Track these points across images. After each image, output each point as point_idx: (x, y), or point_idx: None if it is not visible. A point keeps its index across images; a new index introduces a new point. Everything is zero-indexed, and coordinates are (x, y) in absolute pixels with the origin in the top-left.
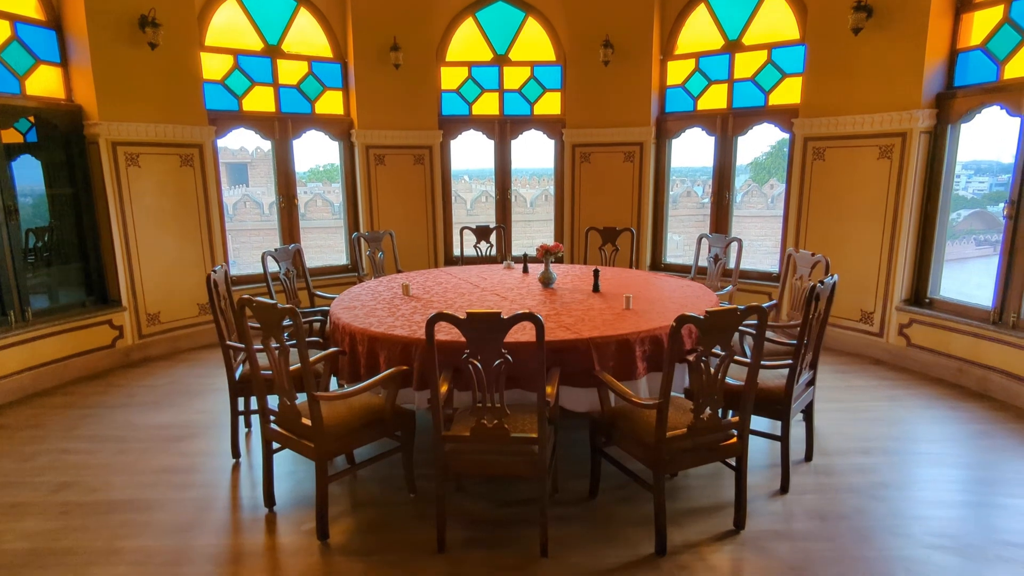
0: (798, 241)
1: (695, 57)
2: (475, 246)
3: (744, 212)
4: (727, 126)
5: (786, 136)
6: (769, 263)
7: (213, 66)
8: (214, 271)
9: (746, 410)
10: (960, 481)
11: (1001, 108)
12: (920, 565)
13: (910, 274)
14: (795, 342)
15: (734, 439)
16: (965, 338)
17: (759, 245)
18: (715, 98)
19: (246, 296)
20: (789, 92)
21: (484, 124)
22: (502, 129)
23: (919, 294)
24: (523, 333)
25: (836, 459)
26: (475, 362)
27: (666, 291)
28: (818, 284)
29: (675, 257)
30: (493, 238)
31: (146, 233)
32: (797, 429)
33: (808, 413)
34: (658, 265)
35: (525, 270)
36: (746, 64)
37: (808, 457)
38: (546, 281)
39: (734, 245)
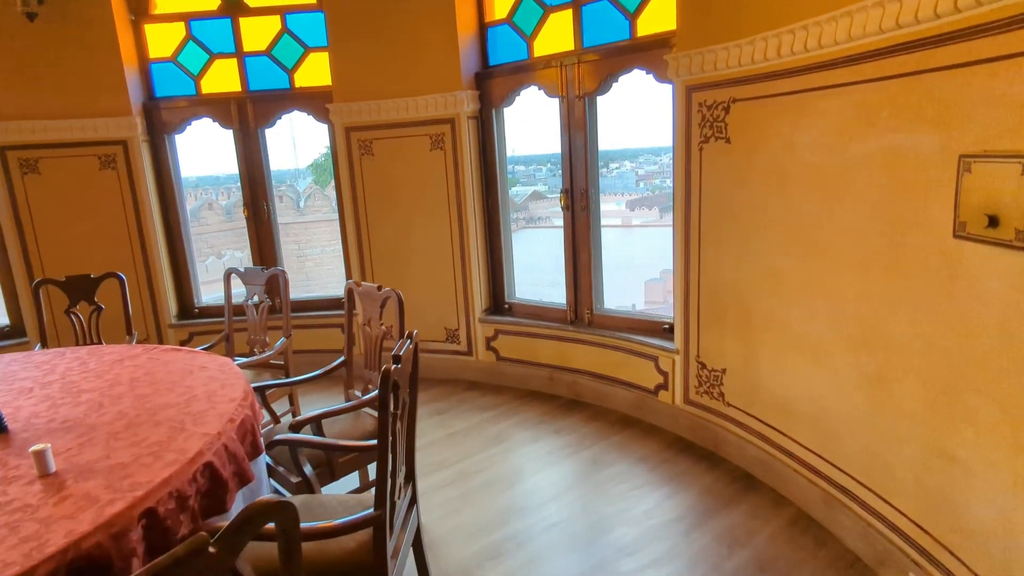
0: (363, 260)
1: (184, 20)
2: None
3: (311, 217)
4: (247, 115)
5: (325, 128)
6: (340, 278)
7: None
8: None
9: None
10: (596, 557)
11: (539, 89)
12: None
13: (485, 279)
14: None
15: None
16: (549, 343)
17: (331, 252)
18: (224, 78)
19: None
20: (318, 71)
21: None
22: None
23: (498, 300)
24: None
25: None
26: None
27: (160, 389)
28: (392, 365)
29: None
30: None
31: None
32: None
33: (416, 539)
34: (190, 311)
35: None
36: (258, 33)
37: None
38: None
39: (279, 279)
